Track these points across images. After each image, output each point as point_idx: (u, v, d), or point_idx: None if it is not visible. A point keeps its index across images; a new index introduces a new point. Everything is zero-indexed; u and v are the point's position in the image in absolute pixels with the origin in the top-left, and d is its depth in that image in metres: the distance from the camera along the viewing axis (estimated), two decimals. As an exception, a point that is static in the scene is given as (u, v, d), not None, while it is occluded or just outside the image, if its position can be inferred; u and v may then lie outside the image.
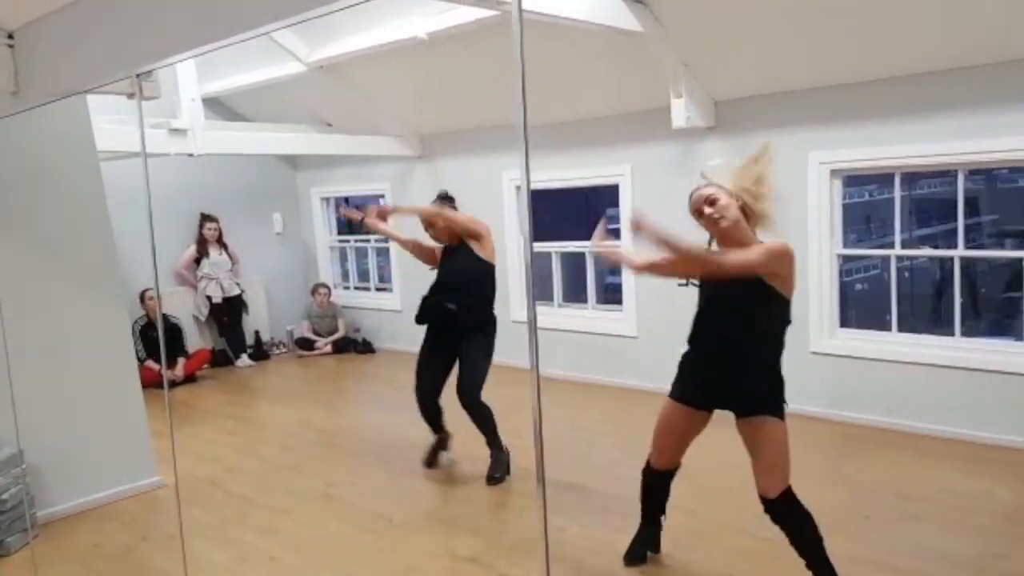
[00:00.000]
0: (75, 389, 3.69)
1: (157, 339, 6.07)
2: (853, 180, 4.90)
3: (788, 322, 2.46)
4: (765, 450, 2.41)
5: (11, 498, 3.26)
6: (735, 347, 2.43)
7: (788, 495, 2.43)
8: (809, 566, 2.46)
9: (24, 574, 3.04)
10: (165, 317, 6.37)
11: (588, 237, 6.18)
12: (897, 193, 4.50)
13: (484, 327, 3.77)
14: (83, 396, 3.71)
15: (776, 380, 2.48)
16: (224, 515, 3.59)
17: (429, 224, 3.78)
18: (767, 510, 2.44)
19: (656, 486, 2.76)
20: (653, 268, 2.57)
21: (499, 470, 3.73)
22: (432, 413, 3.87)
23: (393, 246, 7.22)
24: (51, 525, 3.50)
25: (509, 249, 6.17)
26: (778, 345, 2.48)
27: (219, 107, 7.11)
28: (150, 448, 3.93)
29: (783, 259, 2.33)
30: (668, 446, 2.65)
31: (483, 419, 3.70)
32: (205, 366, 6.73)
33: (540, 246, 6.10)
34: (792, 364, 4.69)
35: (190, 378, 6.42)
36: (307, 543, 3.26)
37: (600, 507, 3.45)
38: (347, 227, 8.26)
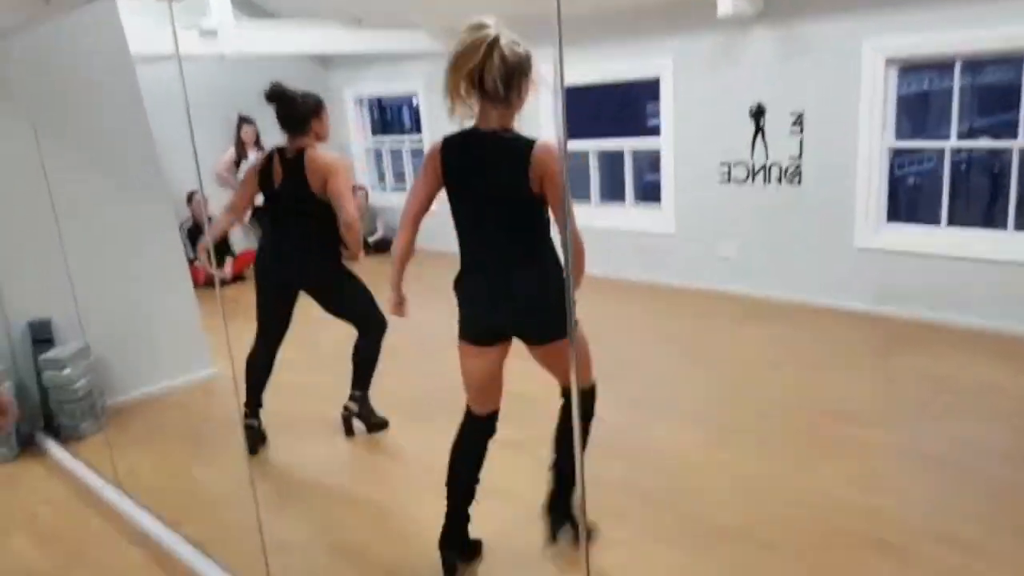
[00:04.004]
0: (131, 287, 3.88)
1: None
2: (910, 69, 4.63)
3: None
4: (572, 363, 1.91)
5: (82, 388, 3.52)
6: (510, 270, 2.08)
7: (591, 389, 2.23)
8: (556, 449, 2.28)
9: (100, 453, 3.30)
10: (210, 219, 6.51)
11: (626, 134, 6.05)
12: (956, 83, 4.24)
13: None
14: (139, 293, 3.91)
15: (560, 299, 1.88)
16: (279, 402, 3.74)
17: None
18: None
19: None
20: None
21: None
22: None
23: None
24: (118, 412, 3.78)
25: (546, 147, 6.07)
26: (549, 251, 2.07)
27: (246, 5, 6.95)
28: (205, 342, 4.16)
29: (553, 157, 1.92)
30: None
31: None
32: (251, 265, 6.92)
33: (576, 144, 5.97)
34: (837, 261, 4.72)
35: (238, 277, 6.66)
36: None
37: (629, 400, 3.56)
38: (381, 127, 8.18)
